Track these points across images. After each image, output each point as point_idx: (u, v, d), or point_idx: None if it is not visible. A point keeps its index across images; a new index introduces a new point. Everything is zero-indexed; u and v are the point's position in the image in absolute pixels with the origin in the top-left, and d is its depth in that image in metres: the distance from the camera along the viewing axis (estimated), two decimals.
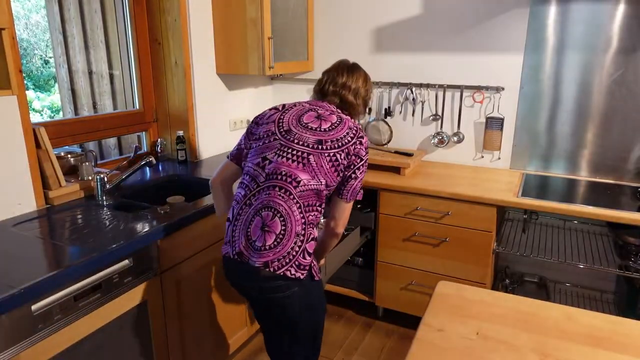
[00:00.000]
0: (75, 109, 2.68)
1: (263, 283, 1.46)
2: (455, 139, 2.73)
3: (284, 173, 1.45)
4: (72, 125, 2.20)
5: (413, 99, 2.78)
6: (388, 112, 2.86)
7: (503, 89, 2.57)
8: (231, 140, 2.91)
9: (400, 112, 2.87)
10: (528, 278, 2.68)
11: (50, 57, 2.87)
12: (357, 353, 2.40)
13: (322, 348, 2.42)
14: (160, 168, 2.47)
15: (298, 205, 1.44)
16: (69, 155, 2.05)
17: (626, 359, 1.11)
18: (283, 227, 1.43)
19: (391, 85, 2.84)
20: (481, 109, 2.66)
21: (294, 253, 1.44)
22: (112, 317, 1.54)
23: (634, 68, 2.28)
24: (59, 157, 1.97)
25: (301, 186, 1.44)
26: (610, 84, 2.34)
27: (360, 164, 1.52)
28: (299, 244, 1.45)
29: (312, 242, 1.49)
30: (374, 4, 2.79)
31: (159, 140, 2.63)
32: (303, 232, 1.45)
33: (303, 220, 1.45)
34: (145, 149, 2.66)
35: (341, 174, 1.50)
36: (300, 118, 1.53)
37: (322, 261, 1.78)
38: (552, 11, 2.37)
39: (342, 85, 1.60)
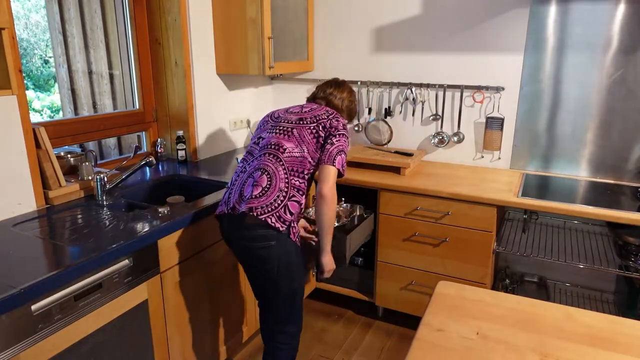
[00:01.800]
0: (75, 109, 2.68)
1: (246, 231, 1.65)
2: (456, 139, 2.73)
3: (273, 143, 1.76)
4: (72, 125, 2.20)
5: (413, 99, 2.78)
6: (388, 112, 2.86)
7: (503, 89, 2.57)
8: (231, 140, 2.91)
9: (400, 112, 2.87)
10: (528, 278, 2.68)
11: (50, 57, 2.87)
12: (357, 353, 2.40)
13: (322, 348, 2.43)
14: (160, 168, 2.47)
15: (283, 167, 1.70)
16: (69, 155, 2.05)
17: (626, 359, 1.11)
18: (268, 182, 1.67)
19: (391, 85, 2.84)
20: (481, 109, 2.66)
21: (276, 205, 1.65)
22: (112, 317, 1.54)
23: (634, 68, 2.28)
24: (59, 157, 1.97)
25: (287, 153, 1.72)
26: (610, 84, 2.34)
27: (337, 133, 1.76)
28: (282, 198, 1.66)
29: (295, 203, 1.69)
30: (374, 4, 2.79)
31: (159, 140, 2.63)
32: (286, 189, 1.68)
33: (286, 180, 1.69)
34: (145, 149, 2.66)
35: (321, 143, 1.76)
36: (288, 109, 1.90)
37: (327, 237, 1.81)
38: (552, 11, 2.37)
39: (329, 93, 1.97)
